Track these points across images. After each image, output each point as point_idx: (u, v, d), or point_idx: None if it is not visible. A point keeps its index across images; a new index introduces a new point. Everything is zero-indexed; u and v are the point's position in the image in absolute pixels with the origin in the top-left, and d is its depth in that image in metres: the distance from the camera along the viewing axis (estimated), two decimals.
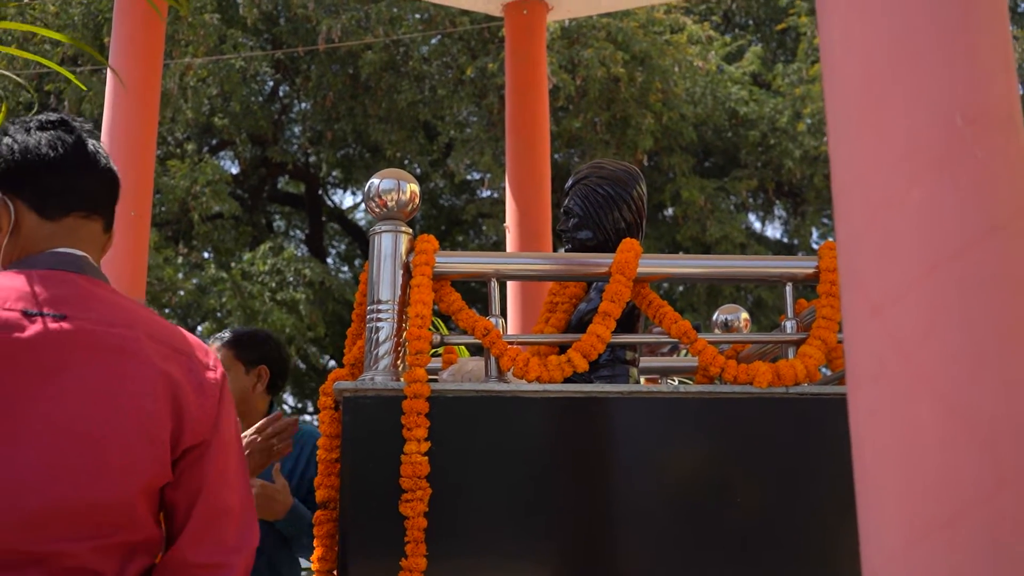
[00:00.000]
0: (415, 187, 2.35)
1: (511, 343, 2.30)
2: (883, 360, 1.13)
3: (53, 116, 1.68)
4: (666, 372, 3.24)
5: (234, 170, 13.44)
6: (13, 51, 1.82)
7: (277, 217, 15.42)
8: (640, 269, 2.35)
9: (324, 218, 14.70)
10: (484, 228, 12.84)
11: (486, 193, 12.57)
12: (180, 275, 11.23)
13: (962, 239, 1.09)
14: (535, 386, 2.24)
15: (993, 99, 1.11)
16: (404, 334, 2.29)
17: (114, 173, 1.73)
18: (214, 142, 13.04)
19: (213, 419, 1.64)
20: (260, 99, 12.42)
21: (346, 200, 15.69)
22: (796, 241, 13.92)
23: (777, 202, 13.83)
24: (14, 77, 1.67)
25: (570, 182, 2.80)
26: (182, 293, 10.81)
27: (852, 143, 1.18)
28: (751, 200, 13.35)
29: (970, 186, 1.10)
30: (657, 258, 2.44)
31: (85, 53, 10.00)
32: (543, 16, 4.85)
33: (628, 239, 2.41)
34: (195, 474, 1.62)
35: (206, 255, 12.99)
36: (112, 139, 4.01)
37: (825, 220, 13.49)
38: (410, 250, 2.33)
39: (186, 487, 1.62)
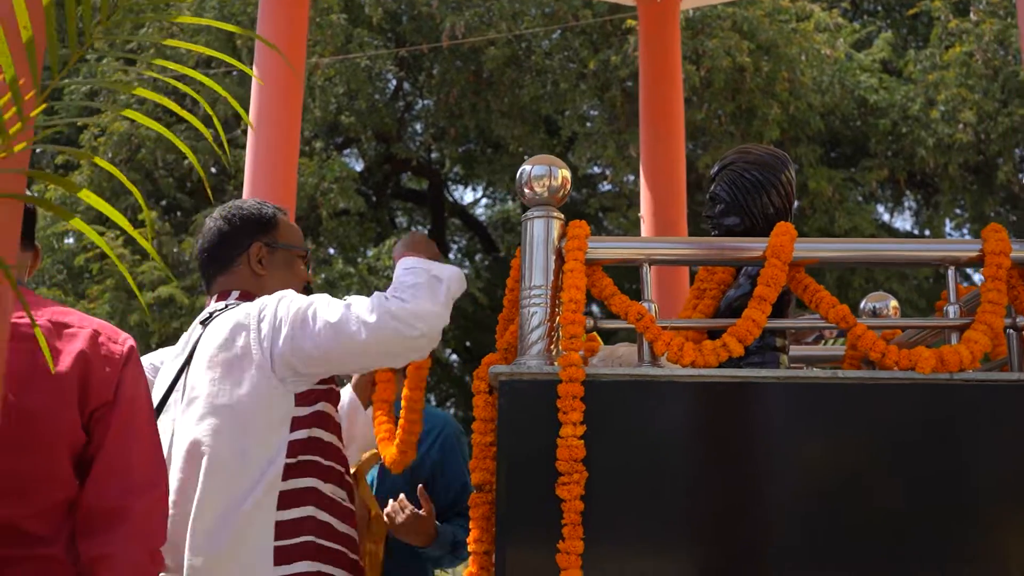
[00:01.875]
0: (567, 173, 2.36)
1: (664, 328, 2.29)
2: None
3: None
4: (811, 361, 3.19)
5: (358, 167, 13.70)
6: (182, 44, 1.88)
7: (399, 213, 15.67)
8: (796, 253, 2.31)
9: (446, 214, 14.86)
10: (605, 223, 12.82)
11: (607, 187, 12.54)
12: (308, 270, 11.49)
13: None
14: (690, 371, 2.22)
15: None
16: (557, 319, 2.30)
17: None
18: (339, 140, 13.31)
19: (115, 382, 1.92)
20: (385, 97, 12.63)
21: (467, 196, 15.86)
22: (928, 232, 13.51)
23: (908, 193, 13.44)
24: (152, 94, 1.73)
25: (716, 168, 2.78)
26: (311, 288, 11.07)
27: None
28: (880, 191, 13.00)
29: None
30: (813, 242, 2.41)
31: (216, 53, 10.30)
32: (676, 4, 4.81)
33: (782, 223, 2.37)
34: (101, 428, 1.89)
35: (331, 251, 13.28)
36: (257, 137, 4.13)
37: (958, 211, 13.06)
38: (562, 236, 2.34)
39: (96, 441, 1.89)
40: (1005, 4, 11.51)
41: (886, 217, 14.09)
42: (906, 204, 14.20)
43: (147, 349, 10.41)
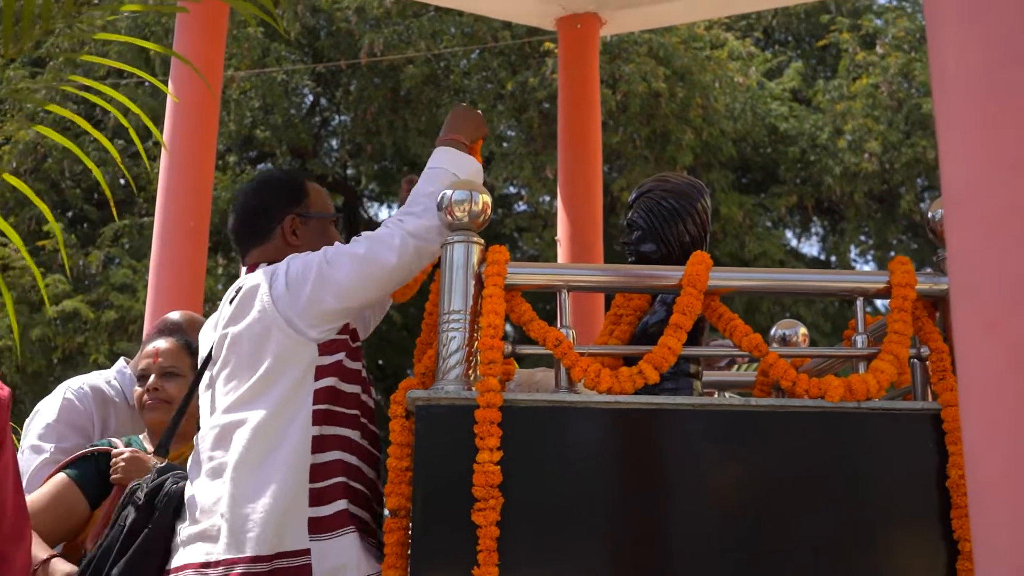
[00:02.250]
0: (487, 198, 2.37)
1: (582, 354, 2.30)
2: (999, 374, 1.13)
3: None
4: (722, 387, 3.24)
5: None
6: (96, 59, 1.84)
7: None
8: (711, 282, 2.35)
9: (361, 231, 14.74)
10: (521, 243, 12.88)
11: (523, 207, 12.60)
12: (220, 286, 11.31)
13: None
14: (607, 397, 2.24)
15: None
16: (476, 344, 2.30)
17: None
18: (254, 154, 13.16)
19: (2, 427, 1.95)
20: (301, 112, 12.53)
21: (383, 213, 15.75)
22: (834, 258, 13.85)
23: (815, 219, 13.77)
24: (58, 108, 1.69)
25: (634, 195, 2.81)
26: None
27: (966, 160, 1.19)
28: (788, 217, 13.30)
29: None
30: (728, 271, 2.45)
31: (129, 63, 10.11)
32: (596, 30, 4.87)
33: (698, 251, 2.41)
34: None
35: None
36: (172, 151, 4.06)
37: (863, 238, 13.42)
38: (482, 261, 2.34)
39: None
40: (909, 39, 11.90)
41: (794, 242, 14.41)
42: (813, 230, 14.54)
43: (49, 364, 10.15)
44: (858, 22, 12.09)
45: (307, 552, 2.28)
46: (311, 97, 13.02)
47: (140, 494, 2.48)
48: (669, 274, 2.40)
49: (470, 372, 2.29)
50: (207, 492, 2.37)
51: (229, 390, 2.44)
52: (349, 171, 13.51)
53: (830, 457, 2.28)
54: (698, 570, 2.20)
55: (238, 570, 2.26)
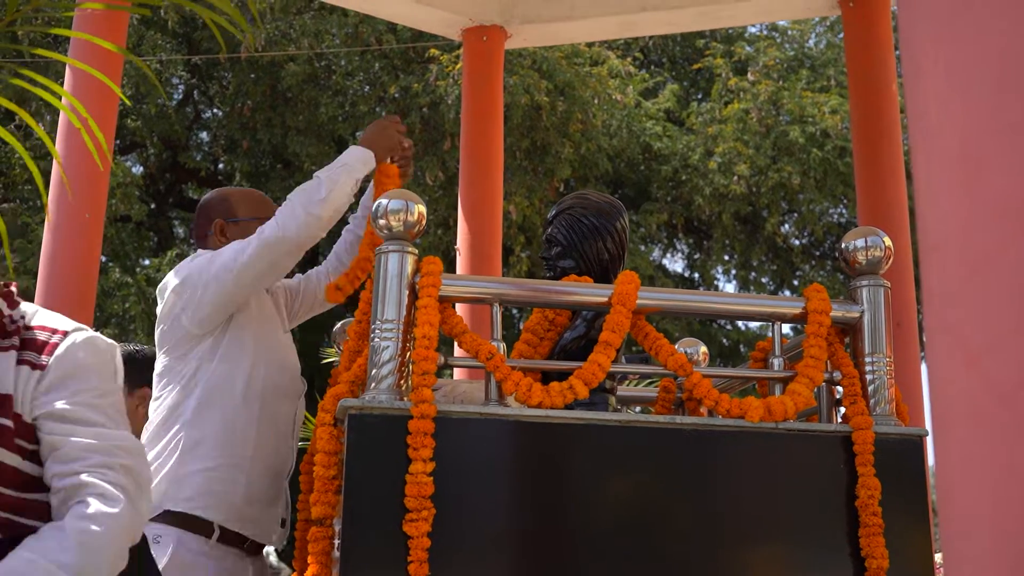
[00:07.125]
0: (423, 208, 2.38)
1: (513, 368, 2.33)
2: (979, 405, 1.20)
3: None
4: (626, 401, 3.32)
5: (136, 171, 13.12)
6: (51, 55, 1.78)
7: (178, 223, 15.09)
8: (639, 301, 2.41)
9: None
10: None
11: None
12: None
13: None
14: (537, 411, 2.27)
15: None
16: (409, 354, 2.30)
17: None
18: (118, 143, 12.71)
19: None
20: (173, 103, 12.19)
21: None
22: (698, 276, 14.25)
23: (680, 237, 14.14)
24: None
25: (554, 211, 2.86)
26: None
27: (947, 204, 1.26)
28: (657, 232, 13.62)
29: None
30: (655, 291, 2.51)
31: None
32: (501, 43, 4.92)
33: (627, 271, 2.47)
34: None
35: (104, 258, 12.64)
36: (68, 138, 3.90)
37: (727, 257, 13.84)
38: (415, 271, 2.35)
39: None
40: (778, 68, 12.35)
41: (659, 259, 14.76)
42: (678, 247, 14.93)
43: None
44: (731, 48, 12.48)
45: None
46: (183, 88, 12.68)
47: None
48: (599, 292, 2.45)
49: (402, 382, 2.29)
50: None
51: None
52: (221, 166, 13.20)
53: (747, 475, 2.36)
54: None
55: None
